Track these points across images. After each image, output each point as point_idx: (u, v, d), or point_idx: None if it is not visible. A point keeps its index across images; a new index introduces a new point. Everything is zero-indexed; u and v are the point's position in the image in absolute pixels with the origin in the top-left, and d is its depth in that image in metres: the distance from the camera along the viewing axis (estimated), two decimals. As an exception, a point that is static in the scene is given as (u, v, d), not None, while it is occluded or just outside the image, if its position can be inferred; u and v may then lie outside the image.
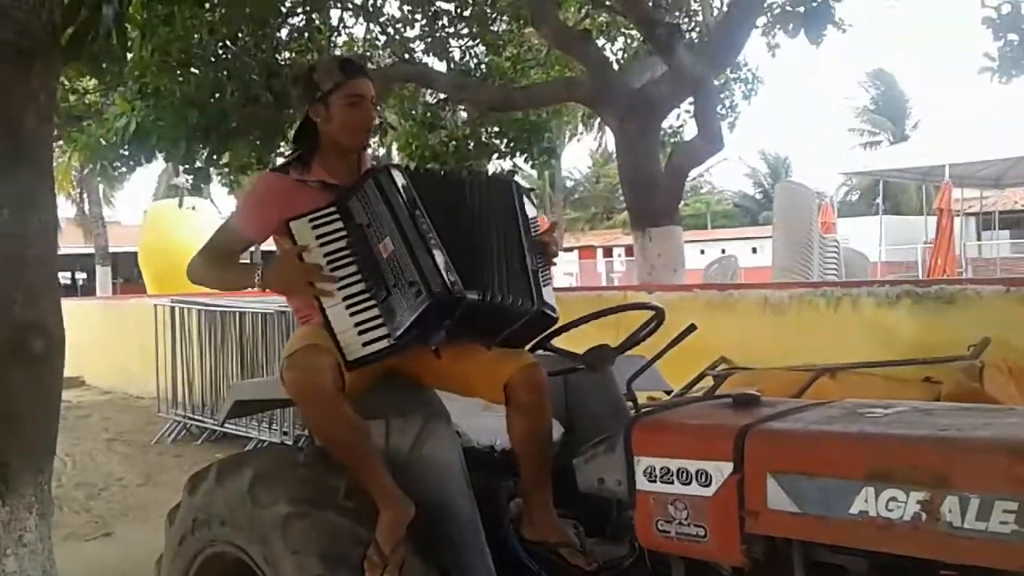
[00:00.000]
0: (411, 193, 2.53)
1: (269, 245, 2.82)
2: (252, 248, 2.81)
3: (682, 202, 10.95)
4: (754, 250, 30.29)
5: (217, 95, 8.87)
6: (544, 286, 2.63)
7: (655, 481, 2.16)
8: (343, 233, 2.53)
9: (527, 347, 2.75)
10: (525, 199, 2.73)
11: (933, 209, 16.78)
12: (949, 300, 4.91)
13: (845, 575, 1.95)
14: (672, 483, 2.13)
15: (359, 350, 2.43)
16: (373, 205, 2.50)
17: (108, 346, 12.24)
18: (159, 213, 20.58)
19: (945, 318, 4.87)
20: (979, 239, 27.97)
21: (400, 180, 2.55)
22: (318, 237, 2.54)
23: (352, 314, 2.46)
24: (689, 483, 2.10)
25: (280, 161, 2.98)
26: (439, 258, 2.43)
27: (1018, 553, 1.67)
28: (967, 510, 1.71)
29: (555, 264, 2.77)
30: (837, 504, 1.86)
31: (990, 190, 25.99)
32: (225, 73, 8.96)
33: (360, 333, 2.44)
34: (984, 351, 4.17)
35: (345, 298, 2.47)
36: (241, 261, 2.78)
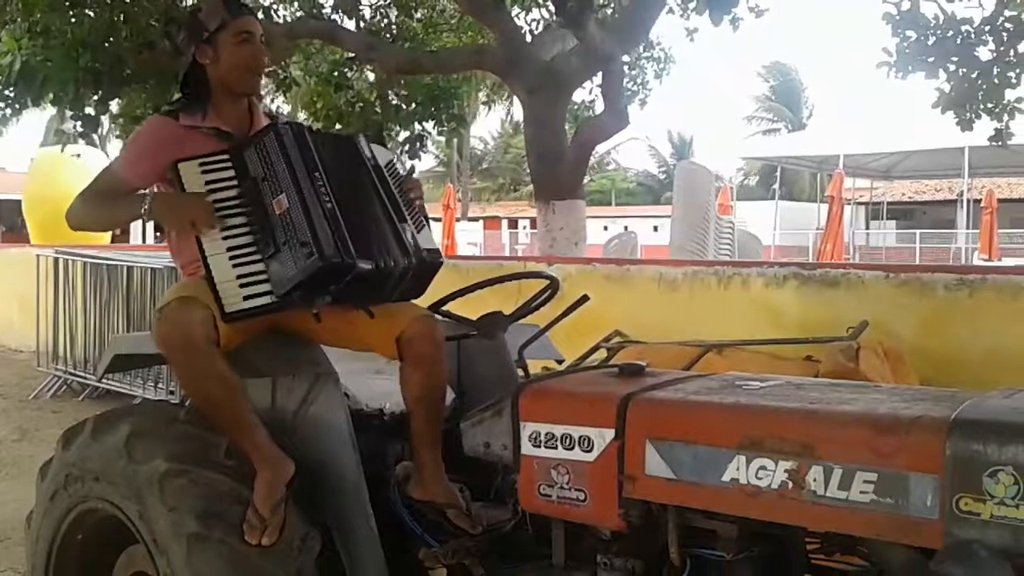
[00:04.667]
0: (311, 154, 2.48)
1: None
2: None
3: (587, 177, 11.01)
4: (655, 228, 30.88)
5: (111, 39, 8.48)
6: (420, 231, 2.61)
7: (539, 446, 2.20)
8: (234, 183, 2.47)
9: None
10: (374, 148, 2.69)
11: (825, 196, 17.39)
12: (833, 283, 5.11)
13: (716, 540, 2.02)
14: (556, 448, 2.17)
15: (238, 303, 2.37)
16: (272, 160, 2.45)
17: (-14, 296, 11.67)
18: (46, 161, 19.61)
19: (829, 300, 5.07)
20: (867, 228, 29.20)
21: (302, 139, 2.50)
22: (207, 183, 2.47)
23: (235, 265, 2.39)
24: (572, 448, 2.14)
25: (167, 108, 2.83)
26: (335, 222, 2.39)
27: (875, 522, 1.76)
28: (830, 479, 1.79)
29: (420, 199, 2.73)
30: (710, 471, 1.93)
31: (880, 181, 27.18)
32: (121, 16, 8.56)
33: (242, 286, 2.37)
34: (862, 333, 4.36)
35: (229, 248, 2.41)
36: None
